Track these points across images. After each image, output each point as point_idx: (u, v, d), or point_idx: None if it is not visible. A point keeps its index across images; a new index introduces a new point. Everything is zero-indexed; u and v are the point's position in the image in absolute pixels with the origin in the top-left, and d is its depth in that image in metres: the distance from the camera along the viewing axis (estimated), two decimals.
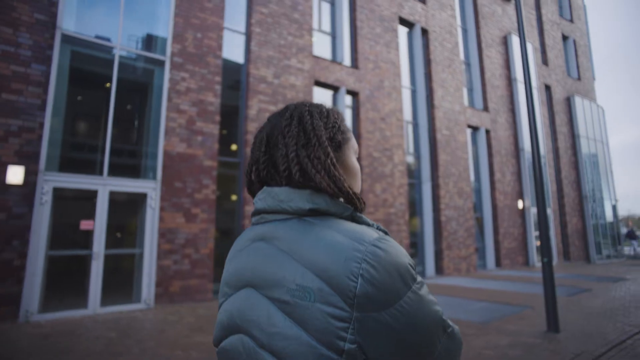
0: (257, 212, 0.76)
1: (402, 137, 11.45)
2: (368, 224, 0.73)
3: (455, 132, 13.28)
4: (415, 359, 0.60)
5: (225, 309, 0.74)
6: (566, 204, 17.87)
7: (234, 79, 8.87)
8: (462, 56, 15.22)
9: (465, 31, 15.90)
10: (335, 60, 10.75)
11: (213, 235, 7.68)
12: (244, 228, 8.01)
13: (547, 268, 5.44)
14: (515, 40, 16.96)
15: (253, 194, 0.81)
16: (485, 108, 15.16)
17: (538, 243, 15.31)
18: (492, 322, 5.88)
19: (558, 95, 19.15)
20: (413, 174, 12.27)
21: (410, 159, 12.27)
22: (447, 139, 12.92)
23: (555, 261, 16.07)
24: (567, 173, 18.39)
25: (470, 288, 9.21)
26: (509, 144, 15.68)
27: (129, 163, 7.11)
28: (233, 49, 8.89)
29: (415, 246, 11.78)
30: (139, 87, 7.55)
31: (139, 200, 7.04)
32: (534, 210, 15.64)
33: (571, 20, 21.85)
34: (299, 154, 0.72)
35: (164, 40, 7.61)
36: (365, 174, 10.44)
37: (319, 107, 0.83)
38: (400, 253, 0.64)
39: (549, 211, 16.39)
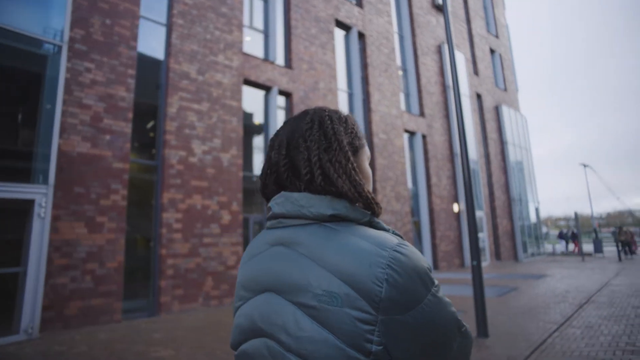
0: (274, 217, 0.76)
1: None
2: (385, 229, 0.73)
3: (392, 136, 13.29)
4: (435, 357, 0.63)
5: (244, 313, 0.73)
6: (497, 206, 18.73)
7: (152, 74, 8.03)
8: (398, 62, 15.42)
9: (401, 38, 16.17)
10: (267, 59, 10.25)
11: (123, 246, 6.76)
12: (162, 237, 7.18)
13: (477, 271, 5.27)
14: (448, 50, 17.58)
15: (267, 198, 0.82)
16: (422, 113, 15.44)
17: None
18: None
19: (488, 103, 20.16)
20: None
21: None
22: (384, 143, 12.88)
23: (487, 261, 16.68)
24: (497, 177, 19.33)
25: None
26: (444, 148, 16.09)
27: (12, 165, 6.01)
28: (151, 41, 8.06)
29: None
30: (26, 77, 6.47)
31: (27, 209, 5.97)
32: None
33: (497, 36, 23.27)
34: (322, 158, 0.74)
35: (60, 22, 6.62)
36: None
37: (337, 112, 0.83)
38: (420, 258, 0.66)
39: (482, 214, 17.03)
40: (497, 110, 20.75)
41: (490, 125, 19.85)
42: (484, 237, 16.88)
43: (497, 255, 18.13)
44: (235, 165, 8.65)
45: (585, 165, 32.25)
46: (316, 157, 0.73)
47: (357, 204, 0.74)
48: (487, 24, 22.89)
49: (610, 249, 26.10)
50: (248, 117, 9.84)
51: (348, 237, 0.67)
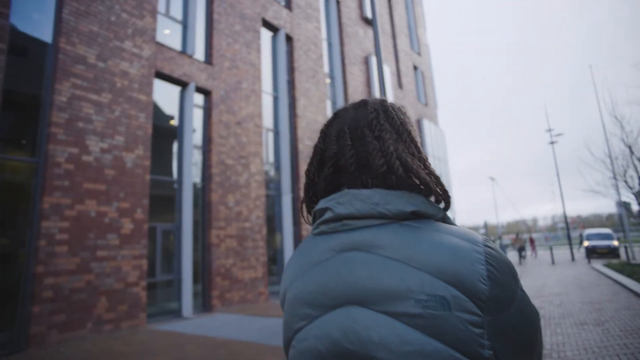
0: (337, 218, 0.66)
1: (260, 144, 10.56)
2: (455, 224, 0.68)
3: None
4: (530, 350, 0.60)
5: (314, 334, 0.62)
6: None
7: (35, 53, 6.73)
8: (326, 69, 15.30)
9: (330, 45, 16.12)
10: (185, 52, 9.33)
11: None
12: (39, 251, 5.91)
13: None
14: (375, 62, 17.97)
15: (314, 198, 0.76)
16: None
17: None
18: None
19: (412, 117, 20.96)
20: (272, 185, 11.47)
21: (269, 169, 11.45)
22: (309, 149, 12.53)
23: None
24: None
25: None
26: None
27: None
28: (32, 13, 6.77)
29: (274, 263, 10.90)
30: None
31: None
32: None
33: (419, 54, 24.56)
34: (397, 149, 0.69)
35: None
36: (216, 183, 9.17)
37: (393, 102, 0.79)
38: (503, 252, 0.67)
39: None
40: (419, 123, 21.72)
41: None
42: None
43: None
44: (141, 167, 7.60)
45: (492, 179, 35.44)
46: (391, 147, 0.68)
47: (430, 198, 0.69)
48: (411, 41, 24.05)
49: (510, 253, 28.79)
50: (160, 114, 8.81)
51: (436, 235, 0.61)
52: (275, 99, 12.15)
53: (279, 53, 12.51)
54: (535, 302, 7.95)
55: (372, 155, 0.68)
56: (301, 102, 12.66)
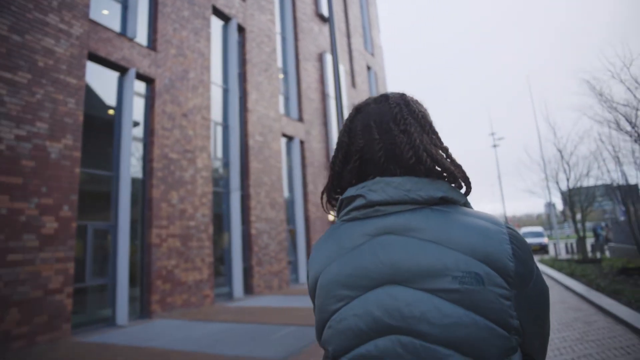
0: (369, 205, 0.71)
1: (208, 138, 9.94)
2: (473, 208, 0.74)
3: (269, 139, 12.57)
4: (544, 319, 0.68)
5: (354, 313, 0.66)
6: None
7: None
8: (280, 63, 14.87)
9: (284, 40, 15.71)
10: (124, 34, 8.50)
11: None
12: None
13: None
14: (329, 59, 17.79)
15: (338, 189, 0.81)
16: (301, 118, 15.14)
17: None
18: (293, 355, 4.88)
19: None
20: (220, 181, 10.87)
21: (217, 165, 10.83)
22: (260, 145, 12.06)
23: None
24: None
25: (281, 309, 8.30)
26: (321, 156, 16.07)
27: None
28: None
29: (221, 264, 10.32)
30: None
31: None
32: None
33: (373, 55, 24.82)
34: (423, 141, 0.73)
35: None
36: (158, 178, 8.45)
37: (412, 96, 0.83)
38: None
39: None
40: None
41: None
42: None
43: None
44: (69, 159, 6.76)
45: None
46: (417, 140, 0.73)
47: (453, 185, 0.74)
48: (365, 42, 24.22)
49: None
50: (96, 101, 7.95)
51: (465, 218, 0.67)
52: (225, 92, 11.54)
53: (230, 43, 11.90)
54: None
55: (399, 148, 0.72)
56: (253, 96, 12.15)
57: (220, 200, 10.64)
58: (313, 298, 0.76)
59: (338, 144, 0.80)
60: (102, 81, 8.12)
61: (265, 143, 12.31)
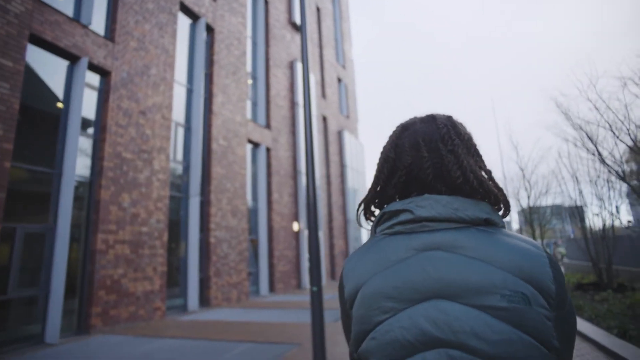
0: (417, 220, 0.73)
1: (168, 140, 9.31)
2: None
3: (234, 144, 12.04)
4: (574, 341, 0.70)
5: (401, 325, 0.66)
6: (334, 227, 19.28)
7: None
8: (249, 68, 14.46)
9: (255, 45, 15.34)
10: (78, 19, 7.82)
11: None
12: None
13: (316, 299, 4.37)
14: (300, 67, 17.56)
15: (381, 202, 0.83)
16: (268, 125, 14.72)
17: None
18: None
19: (332, 127, 20.98)
20: (179, 186, 10.20)
21: (176, 168, 10.17)
22: (224, 150, 11.51)
23: (324, 282, 16.70)
24: (336, 198, 20.01)
25: (237, 323, 7.72)
26: (288, 165, 15.66)
27: None
28: None
29: (175, 274, 9.60)
30: None
31: None
32: (307, 233, 15.92)
33: (344, 67, 24.91)
34: (470, 162, 0.76)
35: None
36: (109, 179, 7.73)
37: (457, 119, 0.86)
38: None
39: (320, 234, 17.13)
40: (339, 134, 21.79)
41: (333, 148, 20.63)
42: (321, 257, 16.95)
43: (332, 275, 18.48)
44: None
45: None
46: (465, 161, 0.75)
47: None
48: (337, 54, 24.28)
49: None
50: (40, 90, 7.20)
51: (509, 239, 0.69)
52: (190, 92, 10.96)
53: (197, 43, 11.38)
54: None
55: (447, 167, 0.75)
56: (219, 99, 11.63)
57: (177, 206, 9.96)
58: (348, 309, 0.74)
59: (384, 159, 0.82)
60: (48, 69, 7.39)
61: (229, 148, 11.77)
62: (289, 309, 9.52)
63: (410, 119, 0.85)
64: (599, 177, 9.64)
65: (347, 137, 22.17)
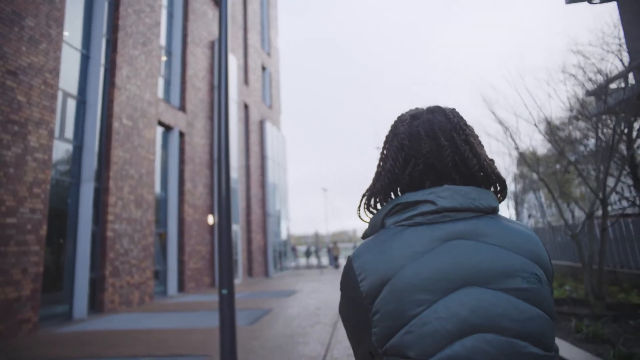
0: (439, 210, 0.74)
1: (52, 112, 7.61)
2: None
3: (141, 125, 10.52)
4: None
5: (439, 316, 0.66)
6: (253, 220, 18.33)
7: None
8: (163, 41, 12.85)
9: (171, 17, 13.73)
10: None
11: None
12: None
13: (227, 303, 3.59)
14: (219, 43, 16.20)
15: (394, 191, 0.82)
16: (183, 108, 13.27)
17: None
18: None
19: (254, 116, 19.94)
20: (67, 169, 8.50)
21: (63, 147, 8.45)
22: (128, 130, 9.96)
23: (240, 279, 15.73)
24: (255, 191, 19.06)
25: (135, 331, 6.52)
26: (204, 153, 14.37)
27: None
28: None
29: (59, 275, 7.95)
30: None
31: None
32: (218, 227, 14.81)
33: (269, 55, 23.93)
34: (482, 153, 0.80)
35: None
36: None
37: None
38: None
39: (237, 228, 16.09)
40: (261, 124, 20.83)
41: (254, 138, 19.62)
42: (238, 252, 15.95)
43: (249, 271, 17.54)
44: None
45: (325, 190, 37.55)
46: (479, 150, 0.79)
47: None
48: (262, 40, 23.19)
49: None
50: None
51: (514, 225, 0.75)
52: (86, 58, 9.22)
53: (96, 2, 9.63)
54: None
55: (464, 156, 0.77)
56: (124, 71, 10.02)
57: (64, 193, 8.28)
58: (367, 305, 0.71)
59: (398, 147, 0.81)
60: None
61: (135, 129, 10.23)
62: (200, 311, 8.50)
63: (415, 109, 0.86)
64: (508, 173, 10.19)
65: (270, 127, 21.31)
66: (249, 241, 17.85)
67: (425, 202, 0.73)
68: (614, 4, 10.00)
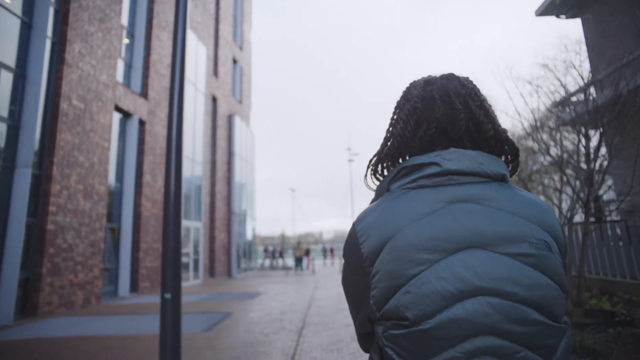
0: (444, 173, 0.72)
1: None
2: None
3: (94, 108, 9.53)
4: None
5: (439, 276, 0.65)
6: (217, 218, 17.44)
7: None
8: (125, 21, 11.85)
9: None
10: None
11: None
12: None
13: (170, 310, 2.94)
14: (192, 37, 15.31)
15: (402, 156, 0.80)
16: (144, 94, 12.30)
17: (187, 260, 13.53)
18: None
19: (222, 109, 19.07)
20: None
21: None
22: (79, 113, 8.98)
23: (200, 279, 14.83)
24: (221, 187, 18.19)
25: (70, 339, 5.66)
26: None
27: None
28: None
29: None
30: None
31: None
32: (187, 224, 13.89)
33: (241, 48, 23.10)
34: (496, 118, 0.79)
35: None
36: None
37: None
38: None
39: (200, 225, 15.19)
40: (230, 118, 19.97)
41: (221, 133, 18.75)
42: (200, 250, 15.04)
43: (211, 271, 16.63)
44: None
45: (293, 190, 36.95)
46: (493, 116, 0.78)
47: None
48: (234, 33, 22.34)
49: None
50: None
51: (525, 194, 0.72)
52: (27, 27, 8.19)
53: None
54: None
55: (478, 121, 0.76)
56: (76, 47, 9.03)
57: None
58: (367, 267, 0.69)
59: (410, 110, 0.78)
60: None
61: (87, 112, 9.24)
62: (153, 313, 7.66)
63: (429, 76, 0.84)
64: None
65: (238, 122, 20.48)
66: (212, 239, 16.94)
67: (430, 165, 0.72)
68: (579, 20, 10.07)
